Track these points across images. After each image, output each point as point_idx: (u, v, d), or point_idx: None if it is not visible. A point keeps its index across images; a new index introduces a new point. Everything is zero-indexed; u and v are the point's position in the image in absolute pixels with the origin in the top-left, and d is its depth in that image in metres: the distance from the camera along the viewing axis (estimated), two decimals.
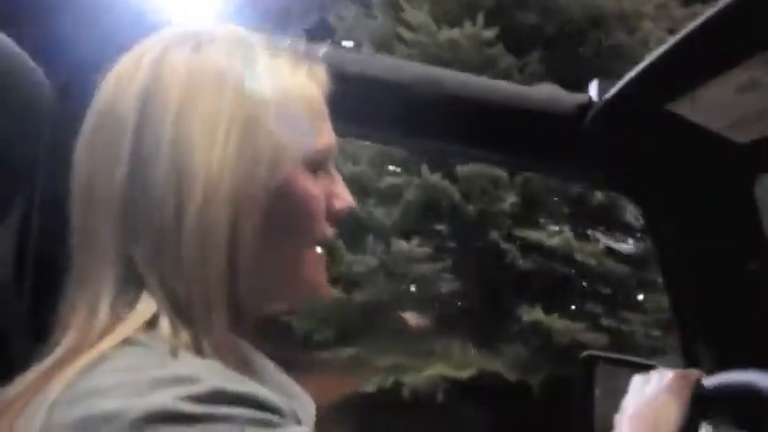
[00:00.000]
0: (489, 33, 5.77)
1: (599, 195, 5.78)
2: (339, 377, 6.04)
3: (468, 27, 5.82)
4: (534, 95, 1.20)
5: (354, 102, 1.16)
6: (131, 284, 0.66)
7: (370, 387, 6.07)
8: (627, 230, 6.35)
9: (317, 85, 0.77)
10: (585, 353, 1.40)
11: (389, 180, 6.19)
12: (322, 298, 0.79)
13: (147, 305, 0.66)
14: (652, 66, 1.07)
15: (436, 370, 5.80)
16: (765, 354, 1.22)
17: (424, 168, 5.89)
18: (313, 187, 0.74)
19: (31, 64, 0.80)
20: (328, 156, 0.76)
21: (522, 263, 6.45)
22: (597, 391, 1.38)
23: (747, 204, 1.27)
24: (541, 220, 6.11)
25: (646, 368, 1.40)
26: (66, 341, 0.65)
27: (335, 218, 0.78)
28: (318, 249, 0.78)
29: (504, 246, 5.99)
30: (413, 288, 6.18)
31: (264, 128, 0.69)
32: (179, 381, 0.58)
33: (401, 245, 5.79)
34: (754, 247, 1.27)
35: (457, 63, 5.38)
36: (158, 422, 0.55)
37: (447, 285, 6.04)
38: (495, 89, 1.20)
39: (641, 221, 5.61)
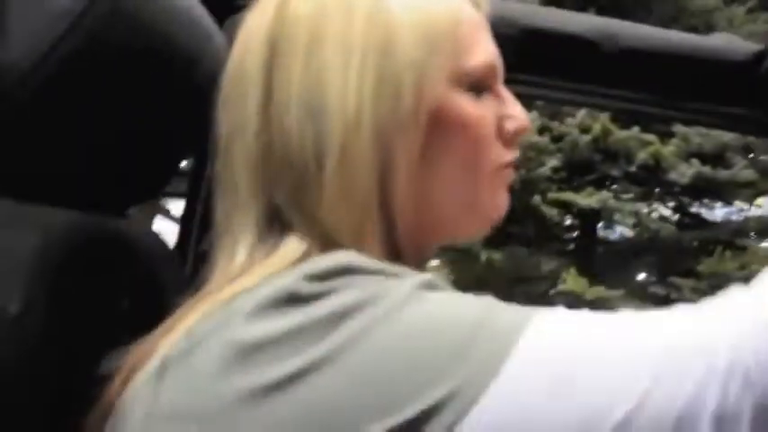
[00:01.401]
0: None
1: (643, 155, 5.88)
2: None
3: None
4: (709, 44, 1.24)
5: (529, 56, 1.16)
6: (274, 230, 0.65)
7: None
8: (672, 191, 6.43)
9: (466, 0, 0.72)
10: None
11: None
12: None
13: (295, 245, 0.63)
14: None
15: None
16: None
17: None
18: (475, 109, 0.68)
19: (217, 34, 0.82)
20: (489, 74, 0.70)
21: (563, 227, 6.55)
22: None
23: None
24: (585, 183, 6.13)
25: None
26: (200, 293, 0.63)
27: (511, 139, 0.72)
28: (508, 170, 0.72)
29: (546, 209, 6.15)
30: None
31: (403, 50, 0.65)
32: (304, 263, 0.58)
33: None
34: None
35: None
36: (276, 305, 0.54)
37: (488, 253, 6.13)
38: (668, 38, 1.22)
39: (687, 180, 5.70)
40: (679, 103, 1.31)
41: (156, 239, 0.83)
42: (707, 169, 5.76)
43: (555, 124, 6.05)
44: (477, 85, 0.69)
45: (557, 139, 6.07)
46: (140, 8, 0.70)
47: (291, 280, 0.55)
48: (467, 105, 0.68)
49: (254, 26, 0.68)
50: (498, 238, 6.30)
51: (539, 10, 1.22)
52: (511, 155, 0.72)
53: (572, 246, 6.71)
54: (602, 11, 5.86)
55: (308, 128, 0.64)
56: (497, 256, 6.19)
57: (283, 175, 0.64)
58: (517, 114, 0.72)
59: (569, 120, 5.97)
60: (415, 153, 0.65)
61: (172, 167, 0.84)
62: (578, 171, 6.26)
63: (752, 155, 6.03)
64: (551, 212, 6.15)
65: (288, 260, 0.61)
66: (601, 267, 6.62)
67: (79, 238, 0.67)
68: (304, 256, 0.61)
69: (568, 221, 6.71)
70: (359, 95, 0.64)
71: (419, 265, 0.72)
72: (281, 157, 0.64)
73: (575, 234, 6.71)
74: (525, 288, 6.45)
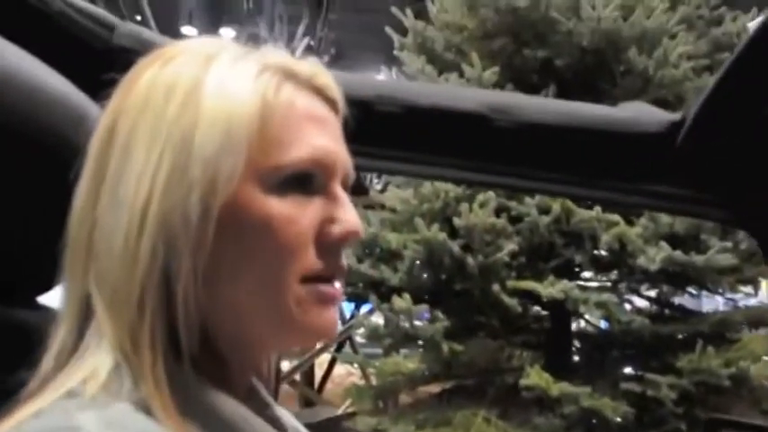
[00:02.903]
0: (491, 74, 5.77)
1: (607, 237, 5.64)
2: None
3: (467, 70, 5.85)
4: (617, 115, 1.17)
5: (421, 136, 1.14)
6: (83, 318, 0.66)
7: None
8: (646, 278, 6.14)
9: (307, 91, 0.72)
10: (709, 416, 1.41)
11: (389, 237, 6.15)
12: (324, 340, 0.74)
13: (87, 358, 0.64)
14: (739, 63, 1.03)
15: None
16: None
17: (419, 222, 5.86)
18: (281, 209, 0.67)
19: (93, 110, 0.82)
20: (313, 172, 0.69)
21: (525, 318, 6.37)
22: None
23: None
24: (547, 270, 5.95)
25: None
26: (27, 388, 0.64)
27: (331, 246, 0.70)
28: (327, 285, 0.70)
29: (506, 299, 5.89)
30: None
31: (200, 142, 0.65)
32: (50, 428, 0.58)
33: (400, 303, 5.70)
34: None
35: None
36: None
37: (451, 345, 5.89)
38: (569, 110, 1.17)
39: (657, 266, 5.42)
40: (587, 181, 1.25)
41: None
42: (678, 254, 5.34)
43: (513, 204, 5.86)
44: (294, 184, 0.68)
45: (515, 220, 5.86)
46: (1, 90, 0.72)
47: None
48: (270, 205, 0.66)
49: (106, 111, 0.70)
50: (460, 328, 6.11)
51: (422, 86, 1.15)
52: (328, 265, 0.69)
53: (542, 337, 6.48)
54: (563, 84, 5.79)
55: (108, 218, 0.65)
56: (460, 347, 5.95)
57: (95, 264, 0.65)
58: (345, 218, 0.70)
59: (528, 200, 5.79)
60: (203, 256, 0.64)
61: None
62: (539, 256, 6.01)
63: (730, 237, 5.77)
64: (512, 302, 5.87)
65: (77, 378, 0.62)
66: (572, 361, 6.37)
67: None
68: (91, 376, 0.62)
69: (537, 311, 6.51)
70: (151, 187, 0.64)
71: (243, 371, 0.73)
72: (96, 248, 0.66)
73: (544, 325, 6.49)
74: (496, 380, 6.21)
